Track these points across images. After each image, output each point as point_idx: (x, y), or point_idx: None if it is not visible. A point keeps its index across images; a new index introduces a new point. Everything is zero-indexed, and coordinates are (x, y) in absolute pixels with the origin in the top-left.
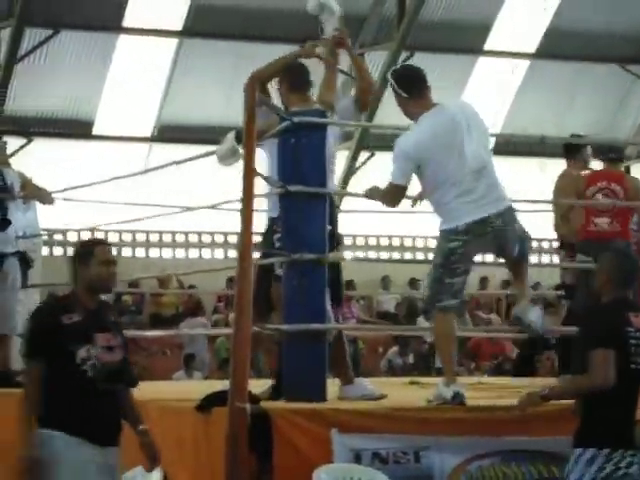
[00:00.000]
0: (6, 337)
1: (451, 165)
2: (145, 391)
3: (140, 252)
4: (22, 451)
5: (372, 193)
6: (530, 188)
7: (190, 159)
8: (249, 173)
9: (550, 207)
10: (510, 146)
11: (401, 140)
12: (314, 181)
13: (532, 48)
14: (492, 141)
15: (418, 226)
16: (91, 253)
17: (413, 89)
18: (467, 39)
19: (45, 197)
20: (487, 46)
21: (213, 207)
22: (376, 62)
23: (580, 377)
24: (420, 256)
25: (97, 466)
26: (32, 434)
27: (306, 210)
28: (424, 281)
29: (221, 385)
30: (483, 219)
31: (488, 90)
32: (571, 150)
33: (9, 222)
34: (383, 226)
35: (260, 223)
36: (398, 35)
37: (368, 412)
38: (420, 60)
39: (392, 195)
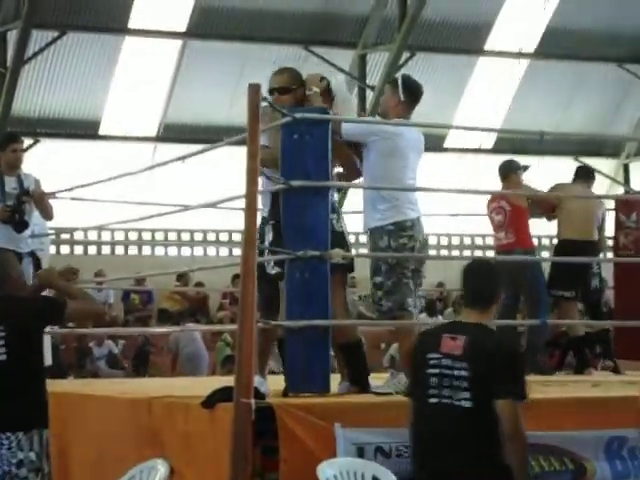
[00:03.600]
0: None
1: None
2: (152, 387)
3: (146, 250)
4: None
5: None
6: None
7: (194, 154)
8: (253, 171)
9: None
10: (509, 144)
11: None
12: (317, 176)
13: (531, 48)
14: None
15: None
16: None
17: (411, 98)
18: (467, 39)
19: (48, 213)
20: (487, 46)
21: (213, 206)
22: (378, 63)
23: None
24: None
25: None
26: None
27: (309, 205)
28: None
29: (226, 382)
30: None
31: (488, 90)
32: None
33: (27, 224)
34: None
35: None
36: (399, 36)
37: (371, 406)
38: (421, 60)
39: None
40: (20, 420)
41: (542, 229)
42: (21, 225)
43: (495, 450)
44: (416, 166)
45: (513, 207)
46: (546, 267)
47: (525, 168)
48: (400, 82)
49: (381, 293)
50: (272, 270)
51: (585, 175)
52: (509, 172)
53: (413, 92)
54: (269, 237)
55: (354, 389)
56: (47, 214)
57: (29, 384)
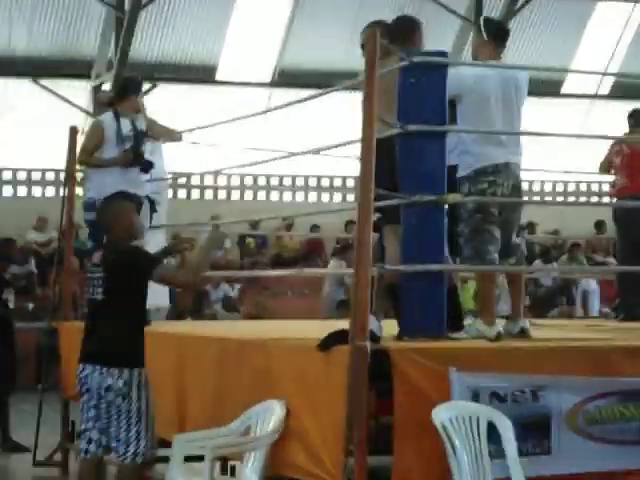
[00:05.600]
0: None
1: None
2: (267, 330)
3: (261, 195)
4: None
5: None
6: None
7: (311, 97)
8: (369, 116)
9: None
10: (628, 89)
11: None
12: (433, 121)
13: None
14: (609, 85)
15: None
16: None
17: (496, 36)
18: None
19: (173, 135)
20: None
21: (330, 149)
22: (495, 7)
23: None
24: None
25: None
26: None
27: (425, 150)
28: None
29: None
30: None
31: (606, 36)
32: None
33: (152, 164)
34: None
35: None
36: None
37: (486, 350)
38: (538, 4)
39: None
40: (109, 356)
41: None
42: (148, 165)
43: None
44: (513, 105)
45: (632, 151)
46: None
47: None
48: (482, 23)
49: (462, 240)
50: (375, 218)
51: None
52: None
53: (496, 30)
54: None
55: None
56: (173, 136)
57: (122, 325)
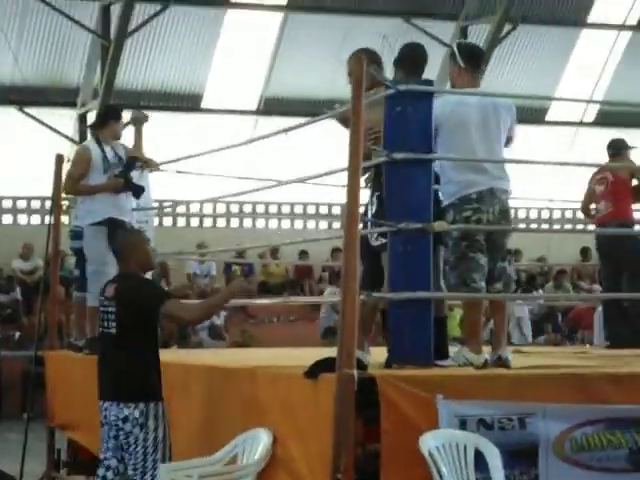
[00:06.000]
0: None
1: None
2: (254, 358)
3: (247, 223)
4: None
5: None
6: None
7: (297, 126)
8: (356, 144)
9: None
10: (613, 117)
11: None
12: (420, 149)
13: (634, 20)
14: (594, 112)
15: None
16: None
17: (472, 62)
18: (570, 11)
19: (151, 163)
20: (590, 19)
21: (302, 181)
22: (480, 35)
23: None
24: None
25: None
26: None
27: (412, 178)
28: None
29: (327, 353)
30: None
31: (591, 62)
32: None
33: (143, 188)
34: None
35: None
36: (501, 8)
37: (473, 378)
38: (523, 32)
39: None
40: (124, 391)
41: None
42: (139, 189)
43: None
44: (493, 131)
45: (616, 178)
46: None
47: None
48: (456, 49)
49: (447, 268)
50: (375, 242)
51: None
52: (621, 149)
53: (471, 55)
54: (373, 209)
55: None
56: (151, 165)
57: (135, 360)
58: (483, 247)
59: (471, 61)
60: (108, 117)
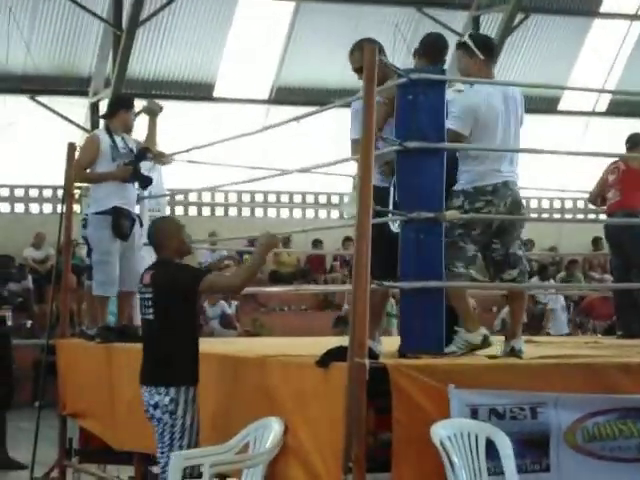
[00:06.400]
0: (132, 294)
1: None
2: (265, 347)
3: (259, 212)
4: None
5: None
6: None
7: (309, 114)
8: (368, 133)
9: None
10: (625, 106)
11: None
12: (432, 138)
13: None
14: (606, 102)
15: None
16: None
17: (489, 52)
18: (583, 1)
19: (165, 158)
20: (603, 8)
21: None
22: (492, 24)
23: None
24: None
25: None
26: None
27: (424, 167)
28: None
29: (339, 342)
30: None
31: (603, 52)
32: None
33: (151, 179)
34: None
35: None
36: None
37: (485, 367)
38: (535, 22)
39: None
40: (156, 375)
41: None
42: (147, 181)
43: None
44: (513, 122)
45: (628, 168)
46: None
47: None
48: (471, 42)
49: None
50: (397, 228)
51: None
52: (638, 143)
53: (488, 46)
54: (396, 195)
55: None
56: (164, 160)
57: (170, 344)
58: (479, 240)
59: (487, 52)
60: (118, 106)
